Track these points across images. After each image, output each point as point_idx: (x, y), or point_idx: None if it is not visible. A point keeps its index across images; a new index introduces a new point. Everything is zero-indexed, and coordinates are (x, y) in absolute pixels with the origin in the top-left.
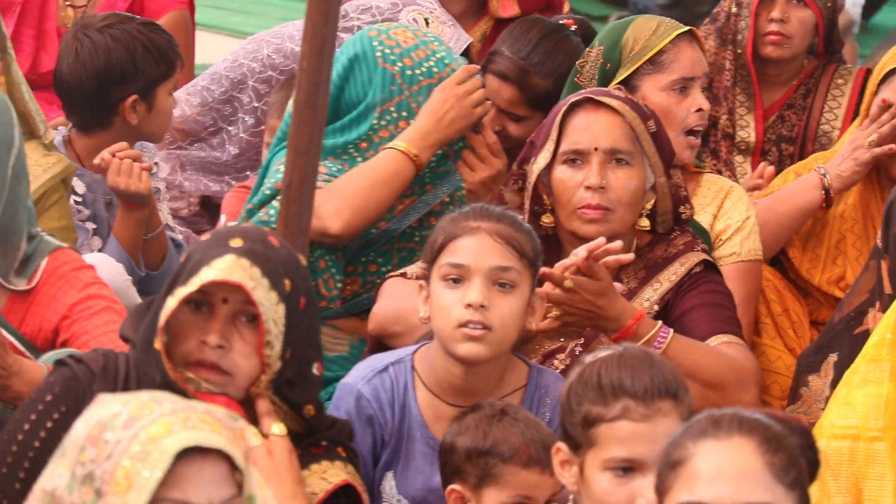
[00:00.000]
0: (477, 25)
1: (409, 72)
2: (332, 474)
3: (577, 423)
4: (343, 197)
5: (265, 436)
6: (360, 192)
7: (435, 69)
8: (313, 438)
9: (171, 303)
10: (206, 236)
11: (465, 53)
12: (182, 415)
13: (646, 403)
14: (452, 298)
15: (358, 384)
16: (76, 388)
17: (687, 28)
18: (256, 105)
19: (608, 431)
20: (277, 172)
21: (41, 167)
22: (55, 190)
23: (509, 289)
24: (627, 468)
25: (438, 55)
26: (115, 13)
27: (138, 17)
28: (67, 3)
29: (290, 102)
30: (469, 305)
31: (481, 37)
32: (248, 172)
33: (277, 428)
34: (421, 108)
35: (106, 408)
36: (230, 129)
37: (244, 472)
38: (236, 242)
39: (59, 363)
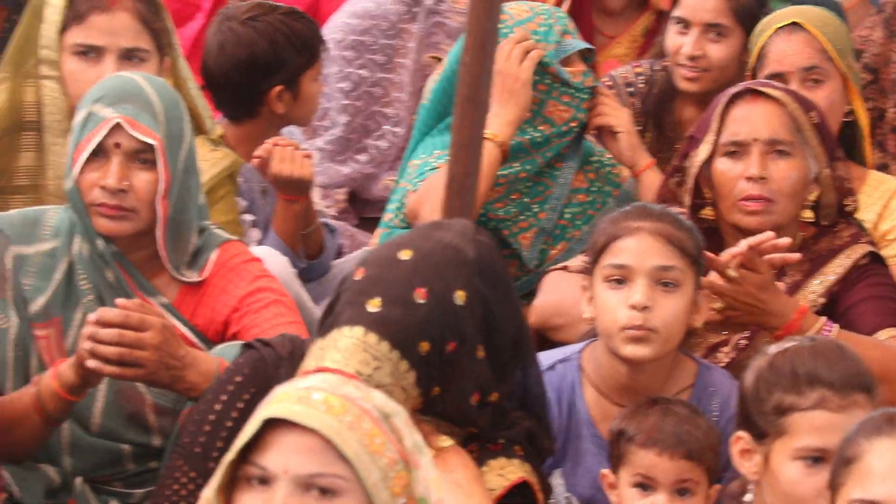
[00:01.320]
0: (639, 20)
1: None
2: (509, 471)
3: (767, 411)
4: (437, 191)
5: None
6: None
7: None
8: (490, 436)
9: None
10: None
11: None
12: (305, 392)
13: (842, 394)
14: (616, 300)
15: None
16: (264, 370)
17: (789, 21)
18: (349, 70)
19: (802, 420)
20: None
21: (209, 162)
22: (223, 184)
23: (673, 288)
24: (818, 458)
25: (543, 28)
26: (256, 3)
27: (281, 5)
28: None
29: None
30: (633, 307)
31: (643, 31)
32: (364, 141)
33: (444, 441)
34: None
35: None
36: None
37: (350, 458)
38: (374, 305)
39: (247, 346)
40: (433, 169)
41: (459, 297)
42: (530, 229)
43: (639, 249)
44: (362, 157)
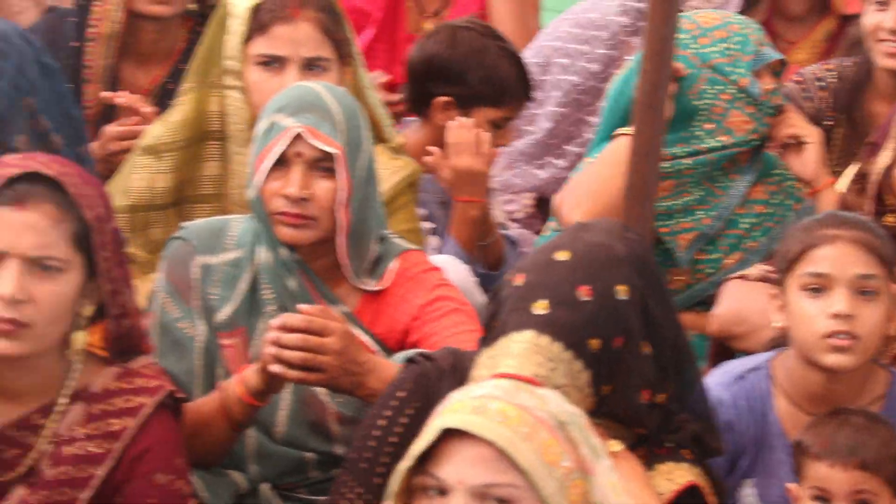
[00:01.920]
0: (820, 25)
1: (702, 50)
2: (678, 475)
3: None
4: (580, 189)
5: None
6: (595, 182)
7: (729, 50)
8: (657, 440)
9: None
10: (531, 257)
11: None
12: (481, 401)
13: None
14: (815, 308)
15: (717, 390)
16: (426, 385)
17: None
18: (562, 77)
19: None
20: None
21: (389, 170)
22: (403, 193)
23: (872, 296)
24: None
25: (738, 38)
26: (488, 24)
27: (505, 39)
28: (424, 16)
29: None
30: (835, 315)
31: (825, 36)
32: (564, 147)
33: (614, 445)
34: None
35: None
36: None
37: (526, 470)
38: (540, 308)
39: (410, 361)
40: None
41: (621, 291)
42: (691, 231)
43: (838, 258)
44: (560, 162)
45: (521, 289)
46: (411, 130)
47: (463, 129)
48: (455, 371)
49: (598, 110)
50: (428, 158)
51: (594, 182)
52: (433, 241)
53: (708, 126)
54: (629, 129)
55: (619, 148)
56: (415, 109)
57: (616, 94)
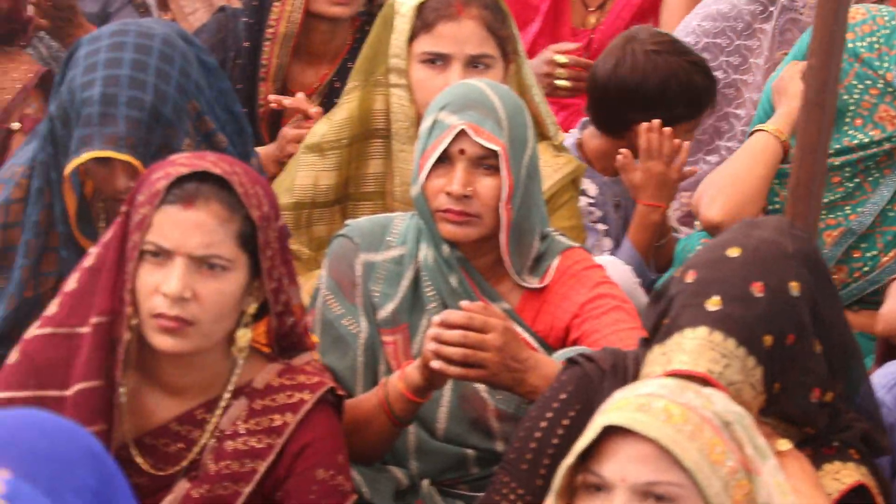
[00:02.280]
0: None
1: (850, 45)
2: (844, 475)
3: None
4: (716, 185)
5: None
6: (731, 178)
7: (876, 44)
8: (825, 439)
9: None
10: (701, 254)
11: None
12: (646, 399)
13: None
14: None
15: (879, 392)
16: (588, 386)
17: None
18: None
19: None
20: None
21: (552, 168)
22: (565, 190)
23: None
24: None
25: (884, 31)
26: (668, 36)
27: (691, 50)
28: (588, 10)
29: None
30: None
31: None
32: (715, 142)
33: (783, 444)
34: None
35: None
36: None
37: (690, 469)
38: (713, 304)
39: (571, 362)
40: None
41: (794, 287)
42: (837, 228)
43: None
44: (712, 158)
45: (692, 285)
46: (589, 133)
47: (659, 136)
48: (615, 371)
49: (745, 102)
50: (619, 158)
51: (730, 178)
52: (606, 242)
53: (858, 122)
54: (767, 126)
55: (756, 144)
56: (607, 129)
57: (768, 96)
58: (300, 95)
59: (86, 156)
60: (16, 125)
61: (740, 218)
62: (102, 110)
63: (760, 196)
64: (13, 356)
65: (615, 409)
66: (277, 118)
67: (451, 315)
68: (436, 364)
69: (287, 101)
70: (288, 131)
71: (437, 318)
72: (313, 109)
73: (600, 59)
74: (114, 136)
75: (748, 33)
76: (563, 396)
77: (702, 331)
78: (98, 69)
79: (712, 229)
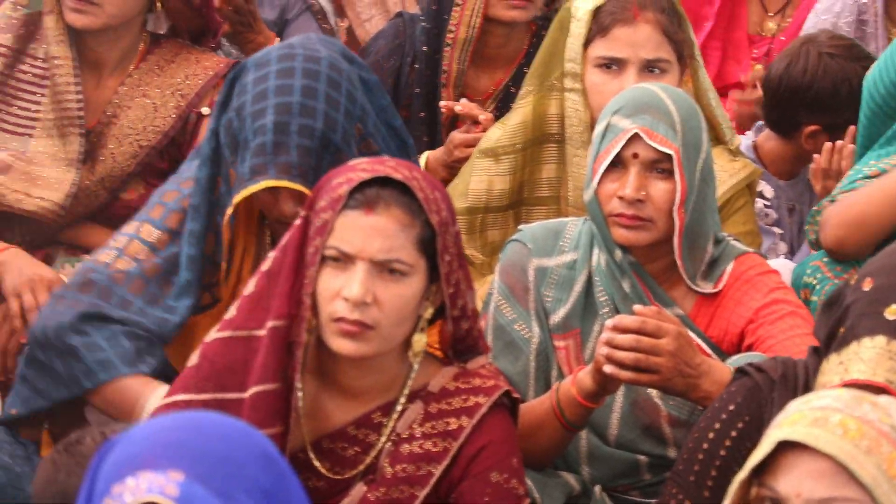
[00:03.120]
0: None
1: None
2: None
3: None
4: (843, 211)
5: None
6: (860, 209)
7: None
8: None
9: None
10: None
11: None
12: (821, 413)
13: None
14: None
15: None
16: (758, 397)
17: None
18: None
19: None
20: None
21: (727, 172)
22: (741, 195)
23: None
24: None
25: None
26: (847, 40)
27: (870, 57)
28: (768, 15)
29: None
30: None
31: None
32: None
33: None
34: None
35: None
36: None
37: (868, 485)
38: (892, 313)
39: (740, 372)
40: (866, 177)
41: None
42: None
43: None
44: None
45: (869, 293)
46: (764, 137)
47: (835, 156)
48: (785, 381)
49: None
50: (812, 168)
51: (855, 212)
52: (781, 245)
53: None
54: None
55: (886, 181)
56: (778, 129)
57: (868, 92)
58: (464, 101)
59: (261, 185)
60: (206, 110)
61: (860, 249)
62: (275, 139)
63: (885, 230)
64: (193, 359)
65: (790, 423)
66: (457, 123)
67: (625, 319)
68: (608, 369)
69: (457, 106)
70: (456, 136)
71: (609, 323)
72: (482, 116)
73: (777, 58)
74: (286, 166)
75: (863, 19)
76: (731, 408)
77: (880, 340)
78: (269, 97)
79: (833, 253)
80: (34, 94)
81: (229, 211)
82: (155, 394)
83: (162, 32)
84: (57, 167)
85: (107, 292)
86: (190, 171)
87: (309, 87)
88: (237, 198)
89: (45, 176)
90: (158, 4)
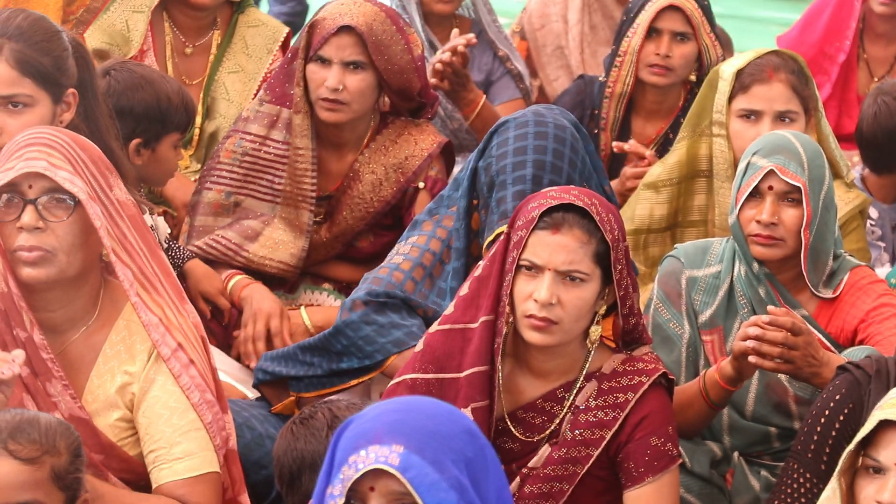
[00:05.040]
0: None
1: None
2: None
3: None
4: None
5: None
6: None
7: None
8: None
9: None
10: None
11: None
12: None
13: None
14: None
15: None
16: (857, 389)
17: None
18: None
19: None
20: None
21: (843, 201)
22: (854, 219)
23: None
24: None
25: None
26: None
27: None
28: (874, 78)
29: None
30: None
31: None
32: None
33: None
34: None
35: None
36: None
37: None
38: None
39: (841, 369)
40: None
41: None
42: None
43: None
44: None
45: None
46: (868, 171)
47: None
48: (879, 375)
49: None
50: None
51: None
52: (884, 256)
53: None
54: None
55: None
56: (878, 170)
57: None
58: (632, 142)
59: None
60: (421, 184)
61: None
62: (532, 189)
63: None
64: (419, 346)
65: (890, 406)
66: (615, 160)
67: (779, 318)
68: (753, 359)
69: (625, 145)
70: (627, 170)
71: (753, 320)
72: (647, 153)
73: (861, 114)
74: None
75: None
76: (837, 397)
77: None
78: (528, 153)
79: None
80: (277, 170)
81: (489, 239)
82: None
83: (387, 110)
84: (292, 233)
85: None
86: (437, 206)
87: (558, 150)
88: (498, 230)
89: (284, 240)
90: (385, 100)
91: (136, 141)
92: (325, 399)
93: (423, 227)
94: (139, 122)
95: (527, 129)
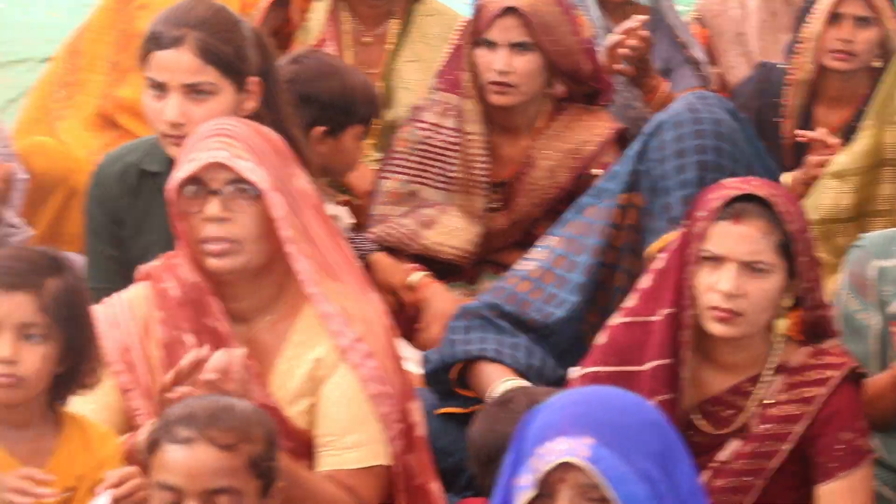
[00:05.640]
0: None
1: None
2: None
3: None
4: None
5: None
6: None
7: None
8: None
9: None
10: None
11: None
12: None
13: None
14: None
15: None
16: None
17: None
18: None
19: None
20: None
21: None
22: None
23: None
24: None
25: None
26: None
27: None
28: None
29: None
30: None
31: None
32: None
33: None
34: None
35: None
36: None
37: None
38: None
39: None
40: None
41: None
42: None
43: None
44: None
45: None
46: None
47: None
48: None
49: None
50: None
51: None
52: None
53: None
54: None
55: None
56: None
57: None
58: (821, 130)
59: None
60: (596, 171)
61: None
62: (698, 192)
63: None
64: (601, 338)
65: None
66: (797, 148)
67: None
68: None
69: (811, 134)
70: (812, 158)
71: None
72: (831, 140)
73: None
74: None
75: None
76: None
77: None
78: (688, 155)
79: None
80: (449, 158)
81: (657, 246)
82: (502, 383)
83: (561, 96)
84: (467, 219)
85: (513, 298)
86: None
87: (718, 146)
88: (654, 248)
89: (459, 227)
90: (556, 85)
91: (320, 129)
92: (522, 385)
93: (568, 227)
94: (324, 110)
95: (683, 130)
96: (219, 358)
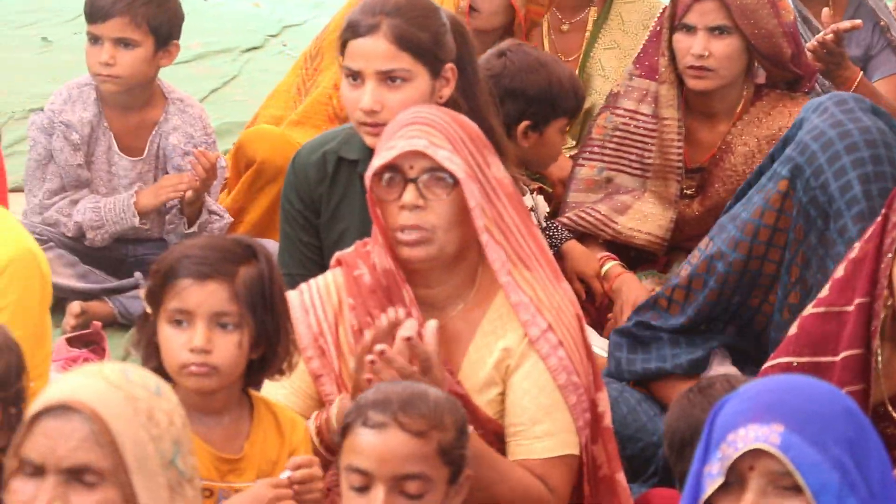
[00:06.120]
0: None
1: None
2: None
3: None
4: None
5: None
6: None
7: None
8: None
9: None
10: None
11: None
12: None
13: None
14: None
15: None
16: None
17: None
18: None
19: None
20: None
21: None
22: None
23: None
24: None
25: None
26: None
27: None
28: None
29: None
30: None
31: None
32: None
33: None
34: None
35: None
36: None
37: None
38: None
39: None
40: None
41: None
42: None
43: None
44: None
45: None
46: None
47: None
48: None
49: None
50: None
51: None
52: None
53: None
54: None
55: None
56: None
57: None
58: None
59: None
60: None
61: None
62: (869, 205)
63: None
64: (793, 329)
65: None
66: None
67: None
68: None
69: None
70: None
71: None
72: None
73: None
74: None
75: None
76: None
77: None
78: (848, 172)
79: None
80: (646, 144)
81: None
82: None
83: (762, 82)
84: (661, 205)
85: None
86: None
87: (874, 155)
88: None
89: (653, 213)
90: (761, 71)
91: (525, 123)
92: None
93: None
94: (530, 104)
95: (836, 147)
96: (412, 323)
